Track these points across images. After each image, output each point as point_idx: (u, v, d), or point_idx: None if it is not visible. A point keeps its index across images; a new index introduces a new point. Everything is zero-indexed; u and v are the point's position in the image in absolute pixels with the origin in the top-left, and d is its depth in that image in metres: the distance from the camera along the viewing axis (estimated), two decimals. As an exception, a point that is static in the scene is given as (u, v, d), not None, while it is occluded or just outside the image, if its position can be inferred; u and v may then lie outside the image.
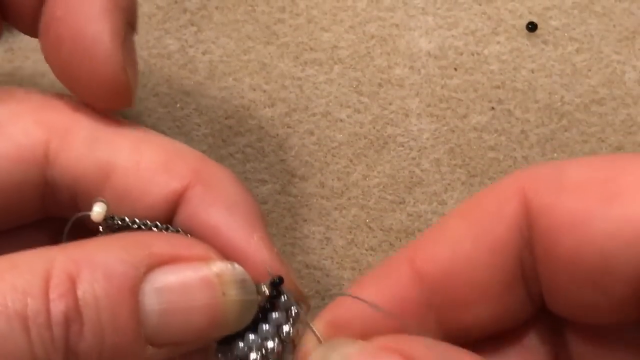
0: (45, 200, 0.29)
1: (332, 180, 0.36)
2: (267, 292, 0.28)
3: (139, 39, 0.38)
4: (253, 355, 0.28)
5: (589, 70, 0.38)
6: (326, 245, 0.35)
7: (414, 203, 0.36)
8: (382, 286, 0.27)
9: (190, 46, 0.38)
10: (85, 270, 0.25)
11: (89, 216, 0.28)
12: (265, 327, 0.28)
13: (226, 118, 0.37)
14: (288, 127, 0.37)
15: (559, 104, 0.37)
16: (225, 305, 0.26)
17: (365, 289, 0.27)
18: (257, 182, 0.36)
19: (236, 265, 0.27)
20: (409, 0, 0.39)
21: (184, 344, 0.27)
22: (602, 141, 0.37)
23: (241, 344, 0.28)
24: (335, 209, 0.36)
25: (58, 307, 0.24)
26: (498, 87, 0.38)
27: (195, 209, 0.28)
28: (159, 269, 0.26)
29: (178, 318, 0.26)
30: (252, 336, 0.28)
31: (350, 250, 0.35)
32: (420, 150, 0.37)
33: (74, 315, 0.24)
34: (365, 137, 0.37)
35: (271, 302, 0.28)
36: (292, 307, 0.28)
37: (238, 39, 0.38)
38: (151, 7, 0.38)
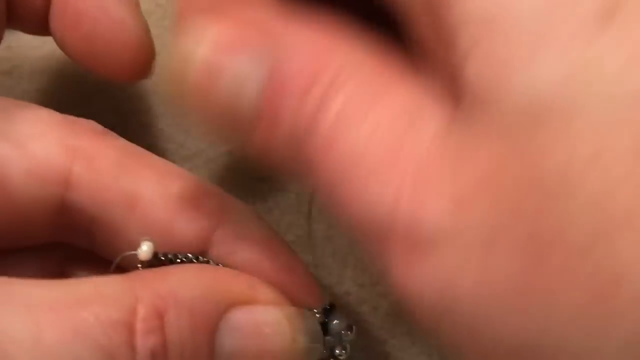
0: (58, 224, 0.28)
1: (333, 177, 0.36)
2: (319, 317, 0.29)
3: (138, 36, 0.38)
4: None
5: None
6: (328, 243, 0.35)
7: (416, 200, 0.35)
8: None
9: (190, 43, 0.38)
10: (172, 307, 0.25)
11: (131, 254, 0.28)
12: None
13: (226, 115, 0.37)
14: (288, 124, 0.37)
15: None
16: (294, 351, 0.27)
17: None
18: (258, 179, 0.36)
19: (307, 313, 0.28)
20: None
21: None
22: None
23: None
24: (337, 206, 0.35)
25: (146, 343, 0.24)
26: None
27: (229, 247, 0.28)
28: (235, 308, 0.26)
29: (248, 359, 0.26)
30: None
31: (353, 248, 0.35)
32: (421, 146, 0.36)
33: (160, 352, 0.24)
34: (366, 134, 0.37)
35: (324, 327, 0.29)
36: (343, 331, 0.29)
37: (238, 36, 0.38)
38: (150, 5, 0.38)
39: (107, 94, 0.37)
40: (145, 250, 0.27)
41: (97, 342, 0.24)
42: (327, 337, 0.29)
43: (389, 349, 0.33)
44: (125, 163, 0.29)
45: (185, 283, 0.26)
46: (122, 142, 0.30)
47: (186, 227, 0.28)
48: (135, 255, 0.27)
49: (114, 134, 0.30)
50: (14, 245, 0.29)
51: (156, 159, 0.30)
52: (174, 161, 0.36)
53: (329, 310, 0.29)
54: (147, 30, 0.31)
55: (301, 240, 0.35)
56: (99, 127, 0.30)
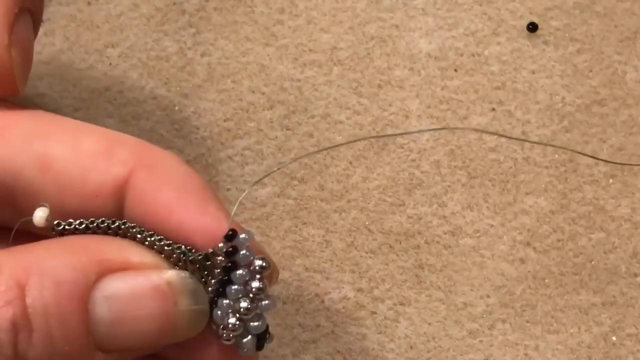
0: None
1: (332, 182, 0.36)
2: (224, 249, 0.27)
3: (138, 41, 0.38)
4: (231, 319, 0.27)
5: (590, 70, 0.38)
6: (326, 248, 0.35)
7: (414, 205, 0.35)
8: None
9: (189, 48, 0.38)
10: (34, 277, 0.25)
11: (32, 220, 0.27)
12: (234, 287, 0.27)
13: (225, 120, 0.37)
14: (287, 129, 0.37)
15: (560, 104, 0.37)
16: (176, 314, 0.26)
17: None
18: (257, 185, 0.36)
19: (187, 274, 0.27)
20: (409, 1, 0.38)
21: (134, 351, 0.27)
22: (604, 142, 0.36)
23: (218, 312, 0.27)
24: (335, 211, 0.35)
25: (5, 314, 0.24)
26: (498, 88, 0.37)
27: (143, 193, 0.27)
28: (109, 276, 0.26)
29: (128, 326, 0.26)
30: (225, 301, 0.27)
31: (350, 253, 0.35)
32: (420, 152, 0.36)
33: (22, 322, 0.24)
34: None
35: (232, 261, 0.27)
36: (255, 261, 0.27)
37: (237, 41, 0.38)
38: (149, 9, 0.38)
39: (106, 99, 0.37)
40: (40, 215, 0.27)
41: None
42: (239, 271, 0.27)
43: (386, 353, 0.33)
44: (35, 128, 0.28)
45: (50, 254, 0.26)
46: (37, 111, 0.29)
47: (101, 179, 0.27)
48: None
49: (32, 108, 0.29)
50: None
51: (69, 121, 0.29)
52: (172, 166, 0.36)
53: (230, 237, 0.27)
54: (16, 49, 0.29)
55: (299, 245, 0.35)
56: (12, 102, 0.29)
